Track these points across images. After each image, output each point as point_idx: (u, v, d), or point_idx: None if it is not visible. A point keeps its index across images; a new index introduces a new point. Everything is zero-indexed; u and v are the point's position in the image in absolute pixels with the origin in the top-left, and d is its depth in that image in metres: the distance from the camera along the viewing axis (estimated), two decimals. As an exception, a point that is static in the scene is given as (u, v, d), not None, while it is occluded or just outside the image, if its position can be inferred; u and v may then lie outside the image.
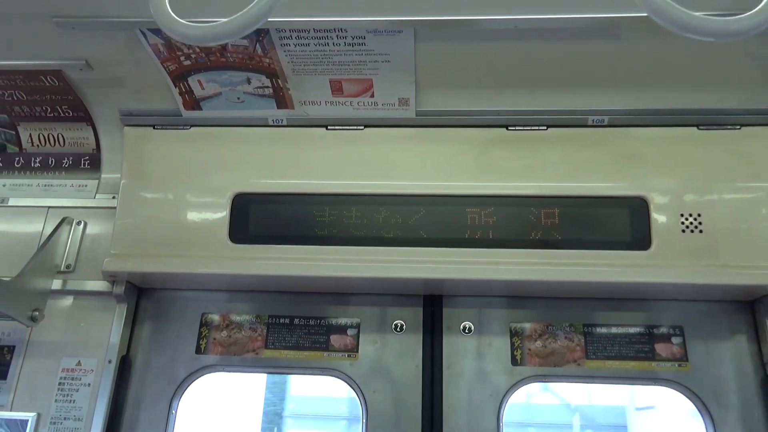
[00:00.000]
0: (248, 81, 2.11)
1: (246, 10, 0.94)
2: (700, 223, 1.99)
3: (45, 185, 2.39)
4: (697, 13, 0.90)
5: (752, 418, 1.97)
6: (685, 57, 1.96)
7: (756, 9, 0.90)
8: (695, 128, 2.09)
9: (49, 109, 2.30)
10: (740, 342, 2.06)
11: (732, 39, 0.92)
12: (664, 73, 2.04)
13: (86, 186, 2.38)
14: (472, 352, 2.12)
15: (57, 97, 2.25)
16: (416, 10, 1.78)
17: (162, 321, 2.24)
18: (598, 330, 2.11)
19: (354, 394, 2.11)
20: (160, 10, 0.96)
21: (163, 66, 2.07)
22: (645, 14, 1.72)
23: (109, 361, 2.11)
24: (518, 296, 2.17)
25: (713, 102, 2.08)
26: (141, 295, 2.27)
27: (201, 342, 2.20)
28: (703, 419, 2.00)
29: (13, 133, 2.40)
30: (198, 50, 1.99)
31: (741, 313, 2.08)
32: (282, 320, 2.21)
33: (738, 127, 2.08)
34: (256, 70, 2.05)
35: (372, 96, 2.13)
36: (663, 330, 2.10)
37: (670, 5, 0.88)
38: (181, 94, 2.18)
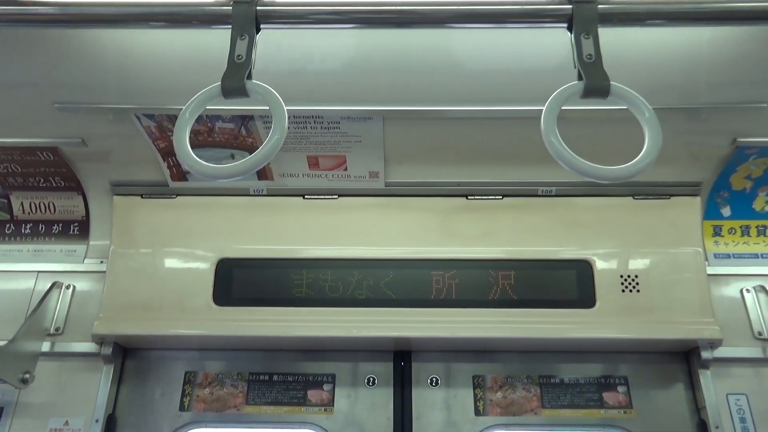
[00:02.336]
0: (232, 156, 2.31)
1: (250, 157, 1.16)
2: (637, 284, 2.25)
3: (35, 251, 2.52)
4: (593, 164, 1.18)
5: (690, 460, 2.19)
6: (621, 137, 2.24)
7: (634, 161, 1.19)
8: (631, 198, 2.38)
9: (42, 180, 2.46)
10: (678, 389, 2.30)
11: (619, 181, 1.21)
12: (604, 151, 2.31)
13: (75, 251, 2.52)
14: (439, 404, 2.30)
15: (51, 170, 2.41)
16: (384, 101, 2.04)
17: (147, 380, 2.36)
18: (553, 381, 2.33)
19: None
20: (183, 153, 1.16)
21: (154, 144, 2.26)
22: (587, 108, 2.03)
23: (96, 421, 2.22)
24: (480, 351, 2.37)
25: (646, 175, 2.32)
26: (127, 355, 2.39)
27: (184, 399, 2.32)
28: (647, 462, 2.21)
29: (5, 201, 2.54)
30: (187, 131, 2.19)
31: (678, 363, 2.33)
32: (262, 377, 2.36)
33: (668, 197, 2.37)
34: (239, 147, 2.26)
35: (345, 169, 2.35)
36: (610, 380, 2.32)
37: (576, 159, 1.16)
38: (169, 167, 2.37)
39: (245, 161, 1.18)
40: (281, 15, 1.27)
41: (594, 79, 1.18)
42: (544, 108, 1.20)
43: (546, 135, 1.18)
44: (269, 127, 2.15)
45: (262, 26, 1.26)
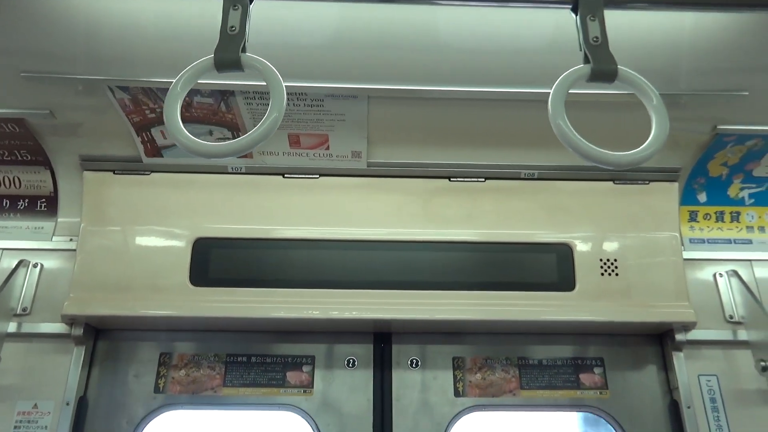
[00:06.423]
0: (210, 133, 2.23)
1: (246, 136, 1.11)
2: (616, 267, 2.27)
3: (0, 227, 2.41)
4: (601, 149, 1.16)
5: (662, 438, 2.25)
6: (603, 123, 2.25)
7: (642, 146, 1.18)
8: (612, 182, 2.39)
9: (6, 153, 2.34)
10: (652, 371, 2.35)
11: (627, 168, 1.19)
12: (586, 136, 2.31)
13: (42, 228, 2.41)
14: (418, 385, 2.30)
15: (16, 142, 2.29)
16: (369, 80, 1.98)
17: (120, 361, 2.29)
18: (531, 362, 2.35)
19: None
20: (174, 128, 1.10)
21: (128, 117, 2.16)
22: (570, 91, 2.01)
23: (67, 403, 2.15)
24: (460, 333, 2.38)
25: (627, 160, 2.37)
26: (99, 336, 2.32)
27: (159, 381, 2.27)
28: (621, 441, 2.26)
29: (-33, 175, 2.41)
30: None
31: (652, 346, 2.37)
32: (239, 358, 2.32)
33: (647, 182, 2.39)
34: (218, 124, 2.18)
35: (327, 148, 2.30)
36: (586, 362, 2.35)
37: (584, 144, 1.14)
38: (143, 142, 2.27)
39: (240, 140, 1.13)
40: (275, -15, 1.20)
41: (601, 62, 1.16)
42: (551, 91, 1.17)
43: (554, 118, 1.16)
44: (250, 103, 2.10)
45: None
